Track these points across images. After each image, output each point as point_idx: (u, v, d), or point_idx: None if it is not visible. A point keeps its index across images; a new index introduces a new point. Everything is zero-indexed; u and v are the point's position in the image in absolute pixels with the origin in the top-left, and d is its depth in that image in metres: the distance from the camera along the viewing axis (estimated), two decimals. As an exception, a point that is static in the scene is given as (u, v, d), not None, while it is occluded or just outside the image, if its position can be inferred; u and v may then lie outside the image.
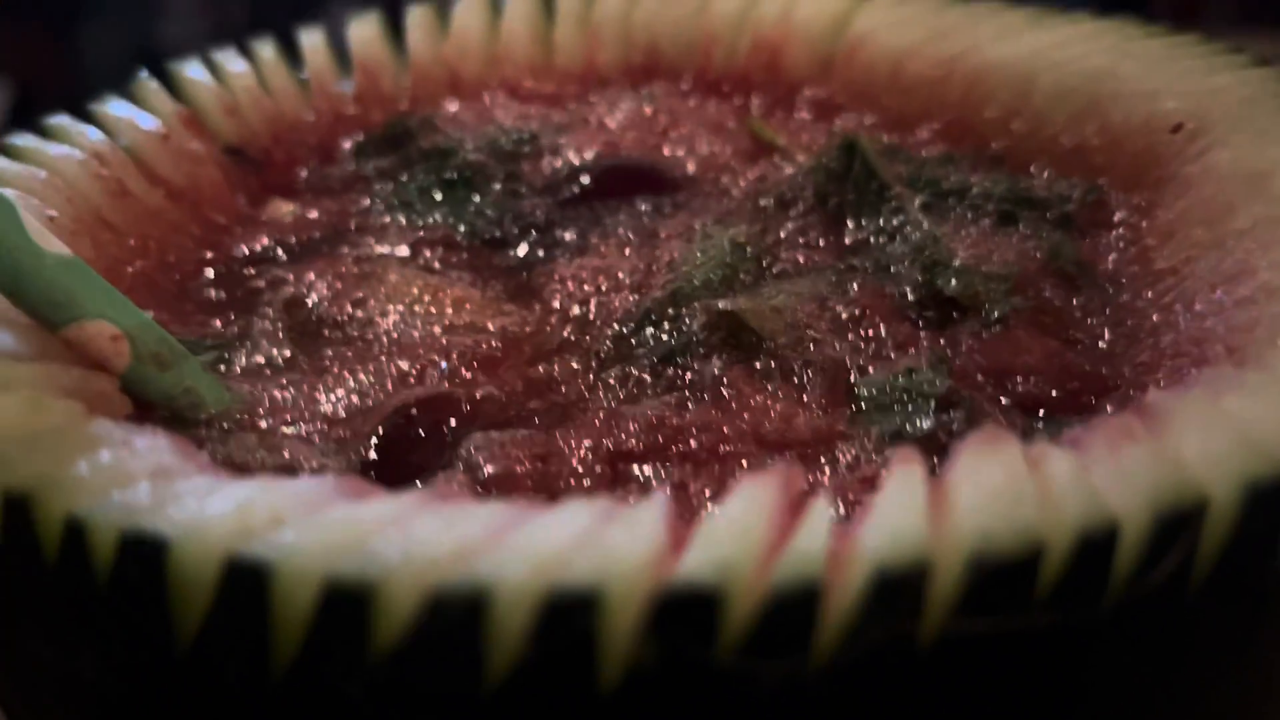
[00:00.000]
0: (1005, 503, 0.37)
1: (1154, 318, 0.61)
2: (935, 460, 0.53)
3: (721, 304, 0.62)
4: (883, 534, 0.37)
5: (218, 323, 0.66)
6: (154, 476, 0.42)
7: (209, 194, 0.76)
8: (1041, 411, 0.57)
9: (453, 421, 0.57)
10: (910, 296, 0.64)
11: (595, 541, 0.37)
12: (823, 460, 0.53)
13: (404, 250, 0.72)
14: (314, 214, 0.78)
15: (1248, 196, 0.62)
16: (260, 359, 0.62)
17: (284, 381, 0.60)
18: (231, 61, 0.84)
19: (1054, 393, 0.58)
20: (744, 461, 0.53)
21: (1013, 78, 0.81)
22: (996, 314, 0.62)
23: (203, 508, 0.39)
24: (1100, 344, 0.61)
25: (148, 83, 0.79)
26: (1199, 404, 0.43)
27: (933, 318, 0.63)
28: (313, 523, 0.38)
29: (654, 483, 0.52)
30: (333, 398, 0.59)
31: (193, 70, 0.82)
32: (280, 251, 0.73)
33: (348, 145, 0.85)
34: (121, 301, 0.55)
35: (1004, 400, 0.57)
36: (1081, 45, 0.81)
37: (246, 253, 0.73)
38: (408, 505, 0.40)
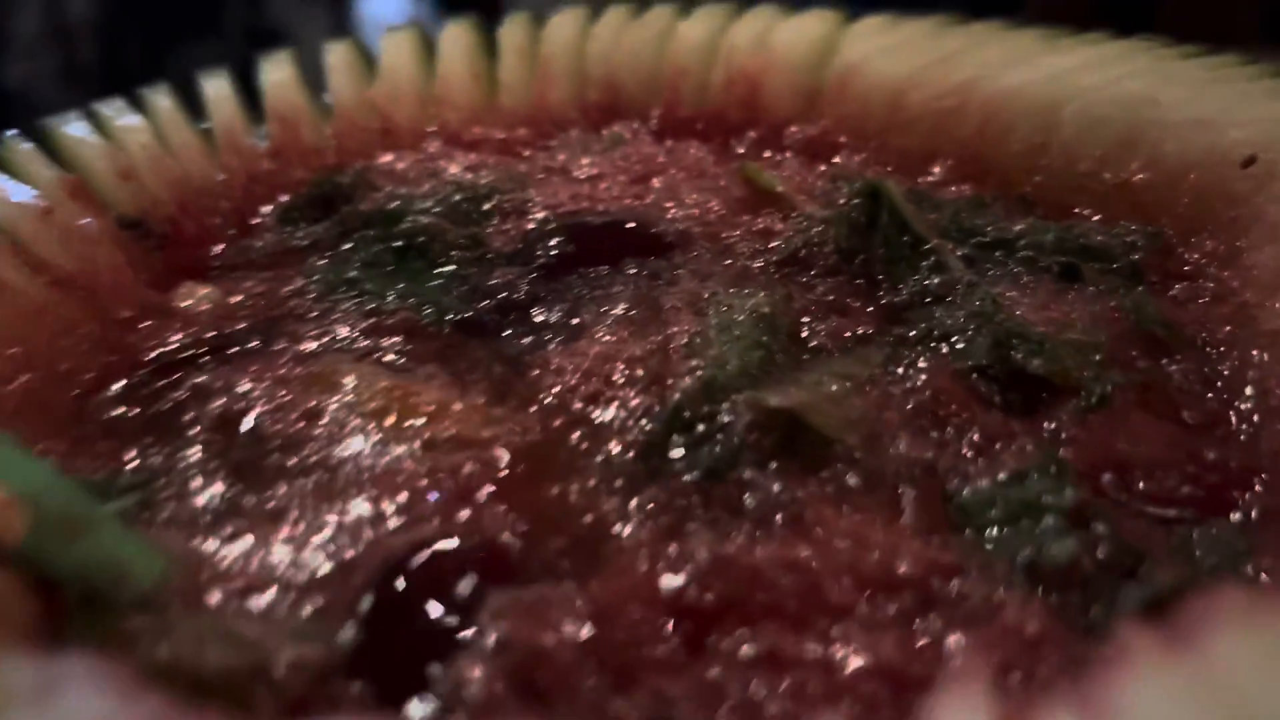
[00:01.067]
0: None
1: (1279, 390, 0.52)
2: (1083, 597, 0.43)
3: (773, 400, 0.50)
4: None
5: (132, 452, 0.52)
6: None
7: (107, 280, 0.62)
8: (1177, 513, 0.47)
9: (460, 579, 0.44)
10: (983, 374, 0.54)
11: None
12: (946, 605, 0.42)
13: (358, 341, 0.59)
14: (237, 299, 0.64)
15: (1369, 242, 0.53)
16: (195, 502, 0.49)
17: (229, 532, 0.47)
18: (122, 115, 0.69)
19: (1189, 491, 0.48)
20: (853, 612, 0.42)
21: (1034, 107, 0.72)
22: (1097, 395, 0.52)
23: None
24: (1223, 425, 0.51)
25: (19, 144, 0.65)
26: None
27: (1016, 401, 0.53)
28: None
29: (742, 655, 0.40)
30: (294, 553, 0.46)
31: (75, 128, 0.67)
32: (201, 351, 0.59)
33: (269, 210, 0.71)
34: (12, 455, 0.41)
35: (1136, 505, 0.47)
36: (1108, 69, 0.72)
37: (159, 355, 0.59)
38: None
